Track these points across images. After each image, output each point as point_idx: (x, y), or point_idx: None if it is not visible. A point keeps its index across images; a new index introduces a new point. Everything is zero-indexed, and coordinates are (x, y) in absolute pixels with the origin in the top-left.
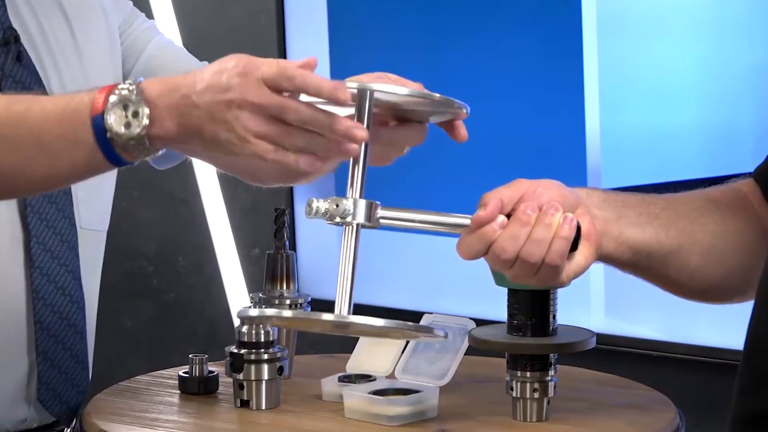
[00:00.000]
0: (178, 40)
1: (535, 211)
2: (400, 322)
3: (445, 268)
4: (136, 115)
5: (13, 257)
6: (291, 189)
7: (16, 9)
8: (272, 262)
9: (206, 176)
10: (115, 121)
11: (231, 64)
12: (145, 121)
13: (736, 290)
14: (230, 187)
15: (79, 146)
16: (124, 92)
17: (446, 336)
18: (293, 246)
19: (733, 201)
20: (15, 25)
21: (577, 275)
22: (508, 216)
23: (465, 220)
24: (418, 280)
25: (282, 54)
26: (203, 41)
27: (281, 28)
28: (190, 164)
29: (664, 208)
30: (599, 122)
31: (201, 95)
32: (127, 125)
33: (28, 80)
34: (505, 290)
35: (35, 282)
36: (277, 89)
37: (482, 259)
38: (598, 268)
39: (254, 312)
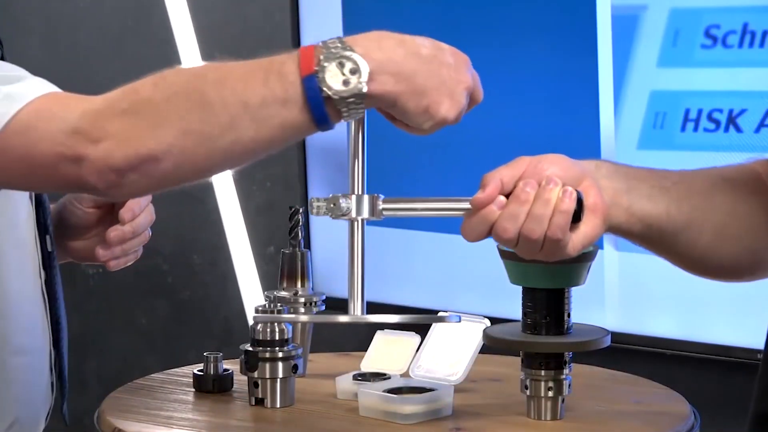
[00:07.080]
0: (192, 38)
1: (534, 188)
2: (414, 316)
3: (459, 266)
4: (354, 72)
5: (38, 299)
6: (305, 187)
7: None
8: (287, 260)
9: (221, 175)
10: (331, 78)
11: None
12: (365, 77)
13: (746, 270)
14: (245, 185)
15: (289, 106)
16: (335, 49)
17: (459, 320)
18: (308, 244)
19: (748, 181)
20: None
21: (584, 246)
22: (510, 195)
23: (467, 203)
24: (433, 278)
25: None
26: (218, 39)
27: (296, 26)
28: None
29: (676, 182)
30: (613, 120)
31: (429, 60)
32: (346, 82)
33: None
34: (520, 288)
35: (57, 313)
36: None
37: (497, 257)
38: (613, 267)
39: (269, 315)
